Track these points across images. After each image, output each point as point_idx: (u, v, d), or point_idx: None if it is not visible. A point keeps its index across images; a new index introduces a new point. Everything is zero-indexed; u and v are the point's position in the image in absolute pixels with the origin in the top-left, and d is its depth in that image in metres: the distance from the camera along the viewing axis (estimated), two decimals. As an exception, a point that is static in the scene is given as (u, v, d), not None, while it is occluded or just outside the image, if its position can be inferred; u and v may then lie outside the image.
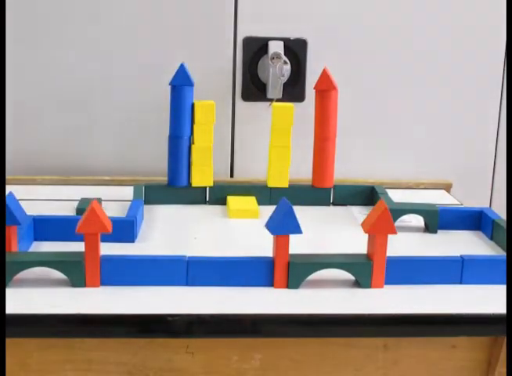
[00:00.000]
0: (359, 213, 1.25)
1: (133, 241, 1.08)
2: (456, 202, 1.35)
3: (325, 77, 1.23)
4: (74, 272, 0.91)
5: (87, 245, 0.90)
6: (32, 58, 1.36)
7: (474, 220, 1.17)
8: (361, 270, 0.93)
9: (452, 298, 0.92)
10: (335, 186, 1.29)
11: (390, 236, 0.92)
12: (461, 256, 0.96)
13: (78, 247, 0.93)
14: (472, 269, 0.95)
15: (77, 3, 1.35)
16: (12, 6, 1.33)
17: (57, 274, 0.92)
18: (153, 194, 1.26)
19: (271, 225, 0.93)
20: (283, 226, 0.91)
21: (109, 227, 0.91)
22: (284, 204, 0.93)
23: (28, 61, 1.37)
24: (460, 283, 0.96)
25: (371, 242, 0.94)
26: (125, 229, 1.07)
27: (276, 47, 1.38)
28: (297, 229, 0.91)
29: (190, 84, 1.23)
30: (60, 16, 1.35)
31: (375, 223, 0.91)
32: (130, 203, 1.17)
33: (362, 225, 0.93)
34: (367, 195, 1.30)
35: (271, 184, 1.28)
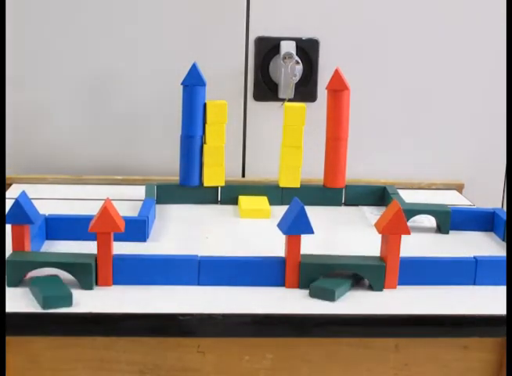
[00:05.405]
0: (371, 213, 1.25)
1: (145, 241, 1.08)
2: (468, 203, 1.35)
3: (337, 77, 1.23)
4: (83, 274, 0.90)
5: (99, 244, 0.90)
6: (45, 59, 1.37)
7: (486, 221, 1.17)
8: (374, 273, 0.93)
9: (465, 298, 0.92)
10: (347, 187, 1.29)
11: (402, 237, 0.92)
12: (474, 257, 0.96)
13: (90, 246, 0.93)
14: (485, 270, 0.95)
15: (89, 5, 1.35)
16: (28, 4, 1.34)
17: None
18: (164, 194, 1.26)
19: (283, 226, 0.92)
20: (294, 226, 0.91)
21: (122, 226, 0.91)
22: (296, 204, 0.93)
23: (41, 61, 1.37)
24: (473, 284, 0.95)
25: (384, 242, 0.93)
26: (137, 229, 1.07)
27: (288, 47, 1.38)
28: (309, 230, 0.91)
29: (202, 84, 1.23)
30: (74, 16, 1.35)
31: (389, 224, 0.91)
32: (142, 202, 1.17)
33: (376, 225, 0.93)
34: (379, 195, 1.29)
35: (282, 184, 1.28)
